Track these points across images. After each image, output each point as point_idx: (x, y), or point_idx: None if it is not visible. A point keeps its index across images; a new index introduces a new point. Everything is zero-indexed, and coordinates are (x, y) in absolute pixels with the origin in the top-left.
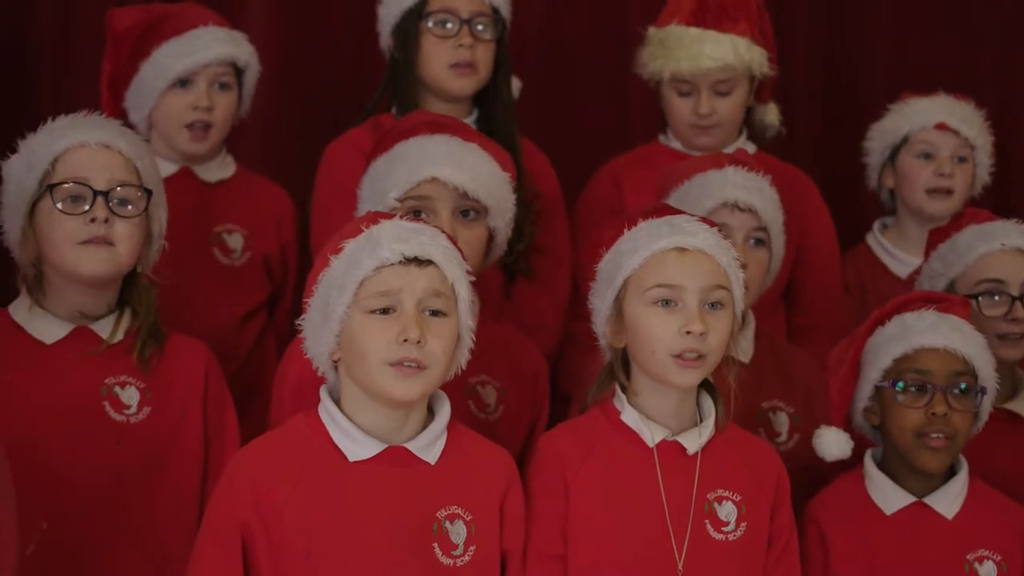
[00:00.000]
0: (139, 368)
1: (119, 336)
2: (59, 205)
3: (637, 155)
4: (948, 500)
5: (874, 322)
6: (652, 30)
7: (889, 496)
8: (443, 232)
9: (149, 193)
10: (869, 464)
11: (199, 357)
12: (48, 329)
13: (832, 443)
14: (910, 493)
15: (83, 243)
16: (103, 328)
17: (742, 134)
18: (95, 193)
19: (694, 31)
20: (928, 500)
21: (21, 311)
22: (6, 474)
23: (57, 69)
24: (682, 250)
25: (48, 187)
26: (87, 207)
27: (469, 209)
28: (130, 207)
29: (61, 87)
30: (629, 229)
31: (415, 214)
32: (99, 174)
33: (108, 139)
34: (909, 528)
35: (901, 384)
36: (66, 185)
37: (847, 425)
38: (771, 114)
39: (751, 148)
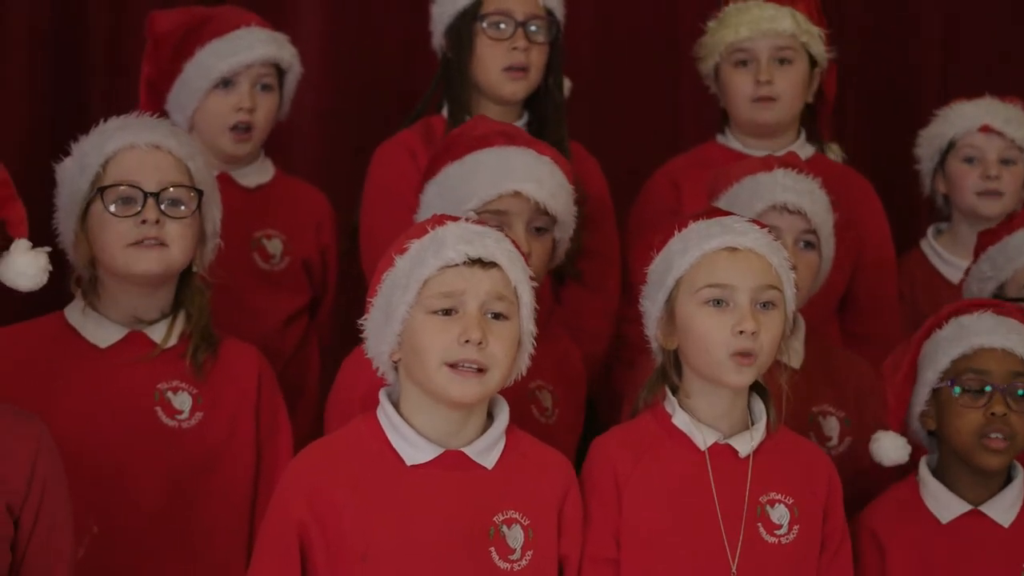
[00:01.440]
0: (192, 373)
1: (173, 340)
2: (110, 207)
3: (694, 156)
4: (1004, 508)
5: (930, 326)
6: (710, 23)
7: (945, 504)
8: (508, 236)
9: (200, 193)
10: (924, 471)
11: (252, 362)
12: (102, 333)
13: (890, 448)
14: (966, 501)
15: (134, 244)
16: (157, 332)
17: (800, 135)
18: (146, 195)
19: (752, 3)
20: (984, 508)
21: (75, 314)
22: (62, 479)
23: (110, 72)
24: (733, 250)
25: (99, 190)
26: (138, 209)
27: (541, 224)
28: (182, 207)
29: (114, 89)
30: (679, 231)
31: None
32: (149, 175)
33: (158, 139)
34: (965, 536)
35: (959, 386)
36: (117, 187)
37: (903, 431)
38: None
39: (809, 150)
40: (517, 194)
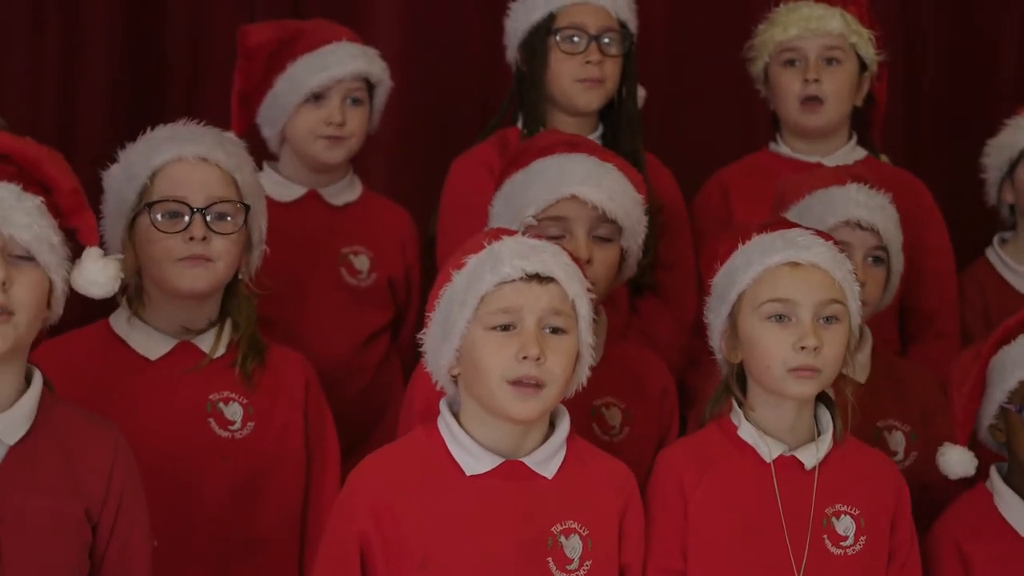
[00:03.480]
0: (242, 383)
1: (221, 350)
2: (157, 221)
3: (746, 164)
4: None
5: (998, 339)
6: (760, 25)
7: (1022, 516)
8: (564, 249)
9: (247, 207)
10: (996, 480)
11: (299, 369)
12: (152, 344)
13: (956, 462)
14: None
15: (181, 260)
16: (205, 342)
17: (851, 139)
18: (192, 210)
19: (802, 3)
20: None
21: (122, 324)
22: (138, 485)
23: (187, 82)
24: (795, 265)
25: (146, 205)
26: (185, 224)
27: (605, 232)
28: (228, 220)
29: (191, 98)
30: (743, 243)
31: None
32: (196, 191)
33: (206, 152)
34: None
35: None
36: (164, 203)
37: (972, 438)
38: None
39: (860, 154)
40: (575, 198)
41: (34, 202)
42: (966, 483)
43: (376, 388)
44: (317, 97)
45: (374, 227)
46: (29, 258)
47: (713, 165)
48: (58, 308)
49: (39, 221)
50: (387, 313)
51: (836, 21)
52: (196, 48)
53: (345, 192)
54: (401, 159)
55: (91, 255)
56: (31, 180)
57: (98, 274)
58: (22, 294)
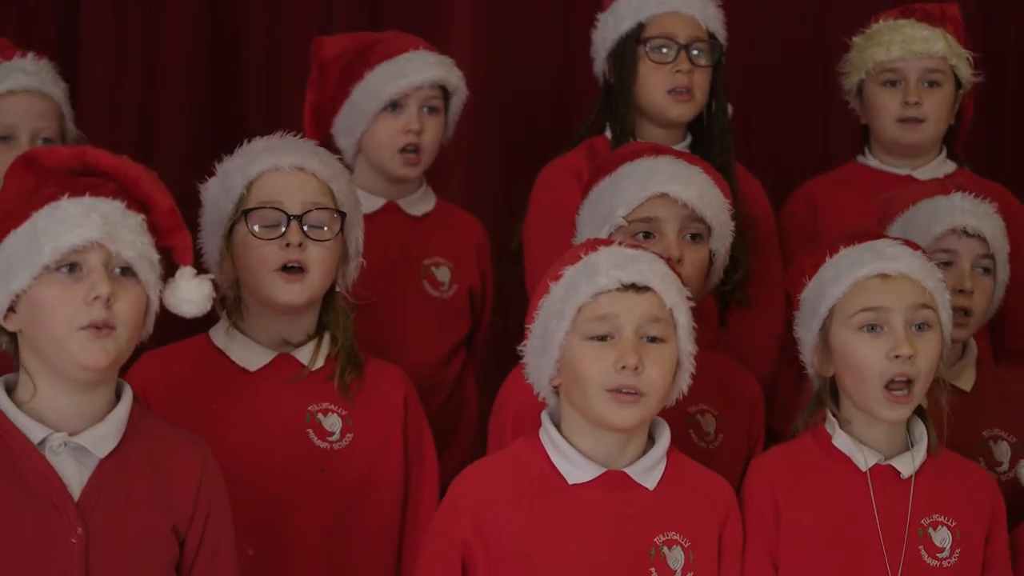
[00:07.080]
0: (340, 395)
1: (319, 362)
2: (254, 229)
3: (835, 176)
4: None
5: None
6: (856, 39)
7: None
8: (661, 258)
9: (343, 215)
10: None
11: (398, 382)
12: (251, 356)
13: None
14: None
15: (279, 271)
16: (304, 354)
17: (941, 152)
18: (289, 217)
19: (904, 21)
20: None
21: (220, 335)
22: (225, 502)
23: (265, 105)
24: (885, 276)
25: (243, 212)
26: (282, 231)
27: (695, 231)
28: (325, 229)
29: (269, 119)
30: (831, 256)
31: (644, 236)
32: (293, 198)
33: (302, 161)
34: None
35: None
36: (261, 210)
37: None
38: None
39: (950, 167)
40: (664, 196)
41: (136, 219)
42: None
43: (455, 401)
44: (395, 106)
45: (451, 237)
46: (129, 275)
47: (790, 176)
48: (149, 327)
49: (141, 238)
50: (467, 324)
51: (939, 43)
52: (273, 64)
53: (422, 202)
54: (478, 169)
55: (185, 274)
56: (131, 198)
57: (192, 292)
58: (124, 310)
